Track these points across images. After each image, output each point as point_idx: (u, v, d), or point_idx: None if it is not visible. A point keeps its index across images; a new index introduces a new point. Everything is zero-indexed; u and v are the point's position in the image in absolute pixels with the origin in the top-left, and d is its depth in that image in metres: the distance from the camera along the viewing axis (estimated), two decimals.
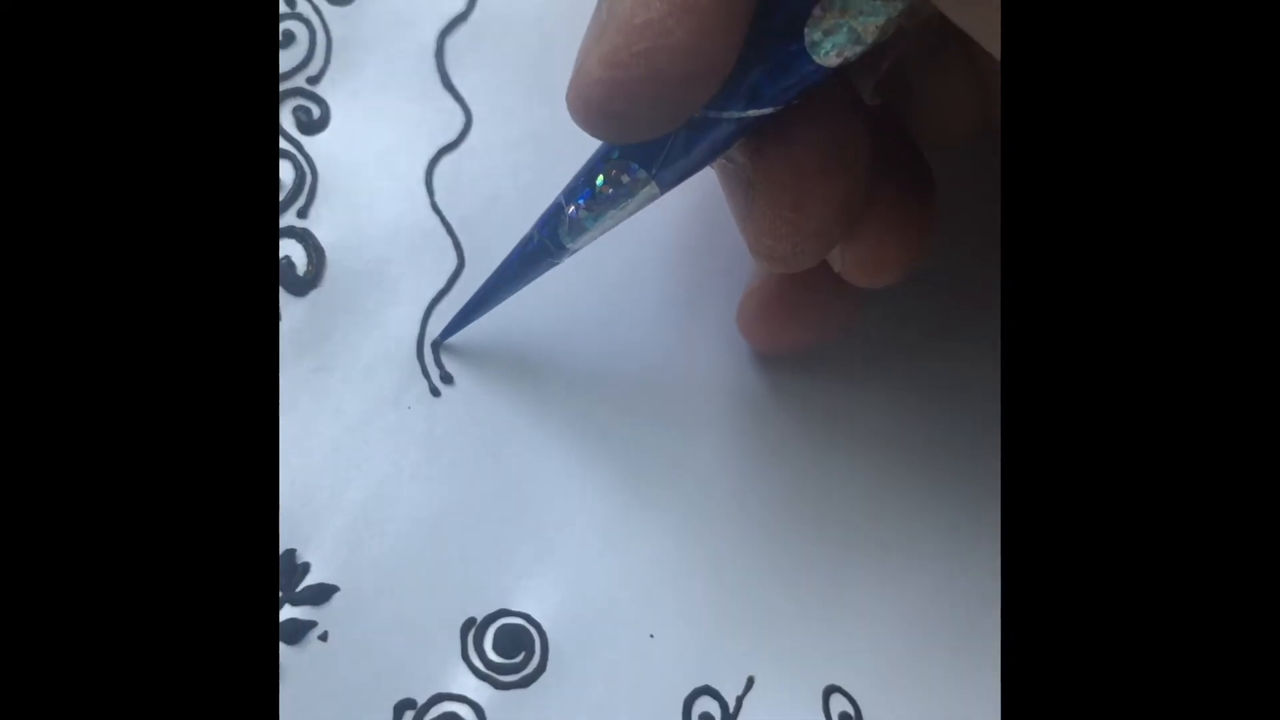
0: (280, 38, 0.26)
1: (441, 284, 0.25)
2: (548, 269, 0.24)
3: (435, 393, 0.25)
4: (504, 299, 0.25)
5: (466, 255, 0.26)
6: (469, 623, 0.24)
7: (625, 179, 0.21)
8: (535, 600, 0.24)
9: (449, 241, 0.26)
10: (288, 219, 0.25)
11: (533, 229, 0.23)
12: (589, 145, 0.26)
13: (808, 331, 0.26)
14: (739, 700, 0.25)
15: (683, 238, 0.27)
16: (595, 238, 0.23)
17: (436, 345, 0.25)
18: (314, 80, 0.26)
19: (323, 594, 0.24)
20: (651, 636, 0.25)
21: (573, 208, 0.22)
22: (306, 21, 0.26)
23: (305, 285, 0.25)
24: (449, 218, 0.26)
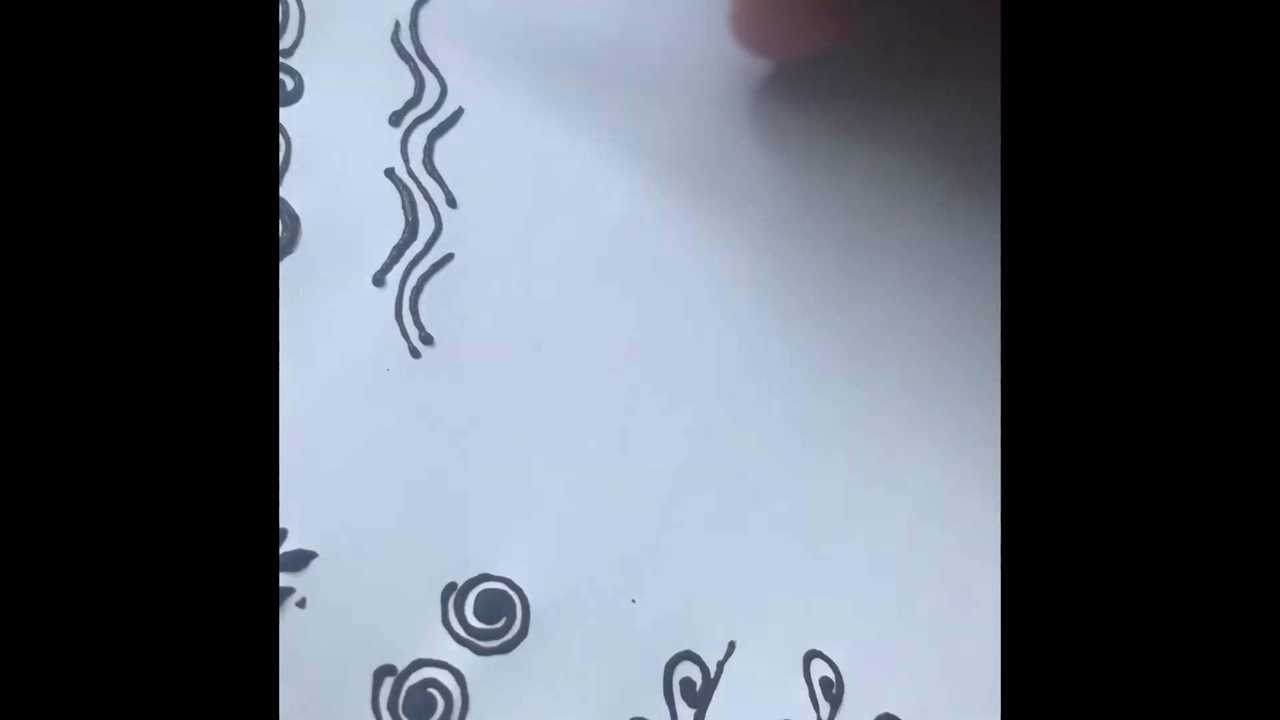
0: None
1: (419, 249, 0.25)
2: None
3: (415, 354, 0.25)
4: None
5: (443, 220, 0.26)
6: (449, 588, 0.24)
7: None
8: (517, 565, 0.24)
9: (426, 206, 0.26)
10: None
11: None
12: (563, 115, 0.26)
13: (803, 36, 0.26)
14: (720, 665, 0.25)
15: None
16: None
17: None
18: (287, 53, 0.26)
19: (300, 560, 0.23)
20: (633, 601, 0.25)
21: None
22: None
23: (281, 251, 0.25)
24: (425, 184, 0.26)
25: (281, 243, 0.25)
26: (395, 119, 0.26)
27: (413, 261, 0.25)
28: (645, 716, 0.24)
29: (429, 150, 0.26)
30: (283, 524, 0.23)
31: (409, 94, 0.26)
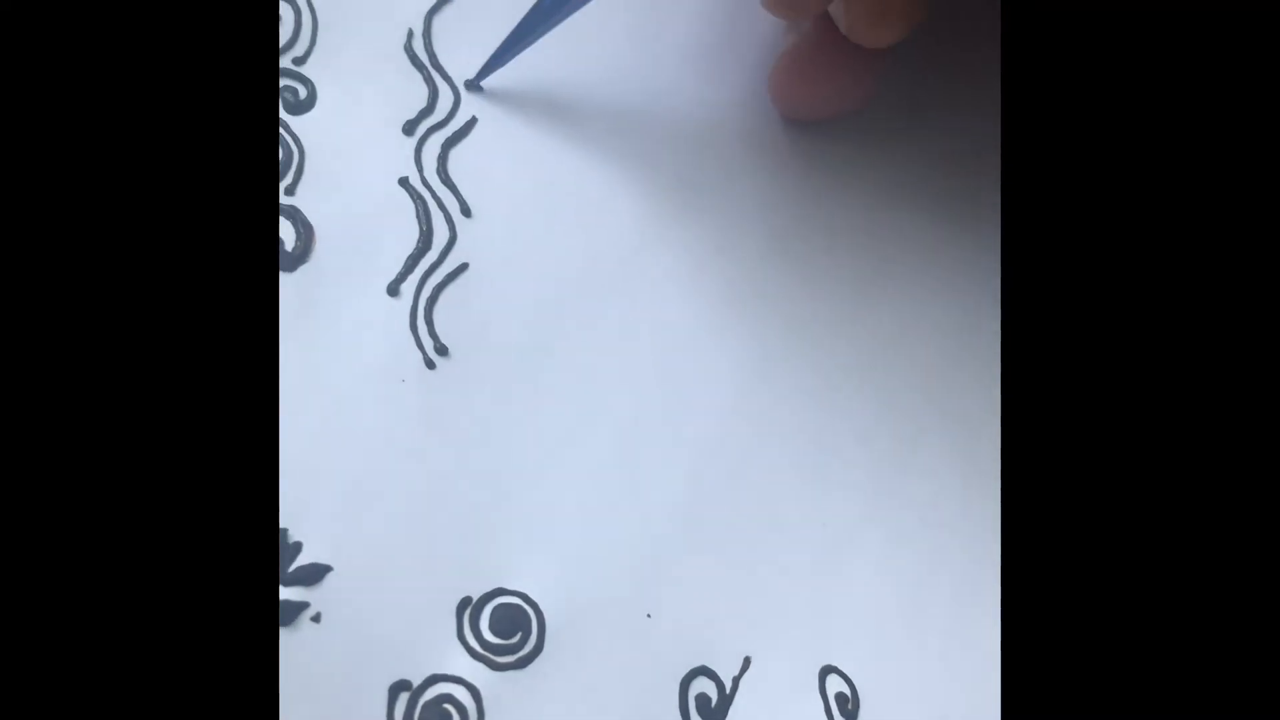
0: None
1: (434, 258, 0.25)
2: (580, 5, 0.25)
3: (430, 365, 0.25)
4: (539, 37, 0.26)
5: (458, 228, 0.26)
6: (465, 602, 0.23)
7: None
8: (532, 579, 0.24)
9: (440, 215, 0.26)
10: None
11: None
12: (578, 124, 0.26)
13: (834, 96, 0.27)
14: (735, 681, 0.24)
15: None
16: None
17: (471, 84, 0.27)
18: (300, 61, 0.26)
19: (315, 574, 0.23)
20: (649, 616, 0.24)
21: None
22: (292, 2, 0.26)
23: (294, 261, 0.25)
24: (439, 194, 0.26)
25: (295, 252, 0.25)
26: (409, 128, 0.26)
27: (427, 271, 0.25)
28: None
29: (443, 159, 0.26)
30: (297, 538, 0.23)
31: (422, 103, 0.26)
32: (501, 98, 0.27)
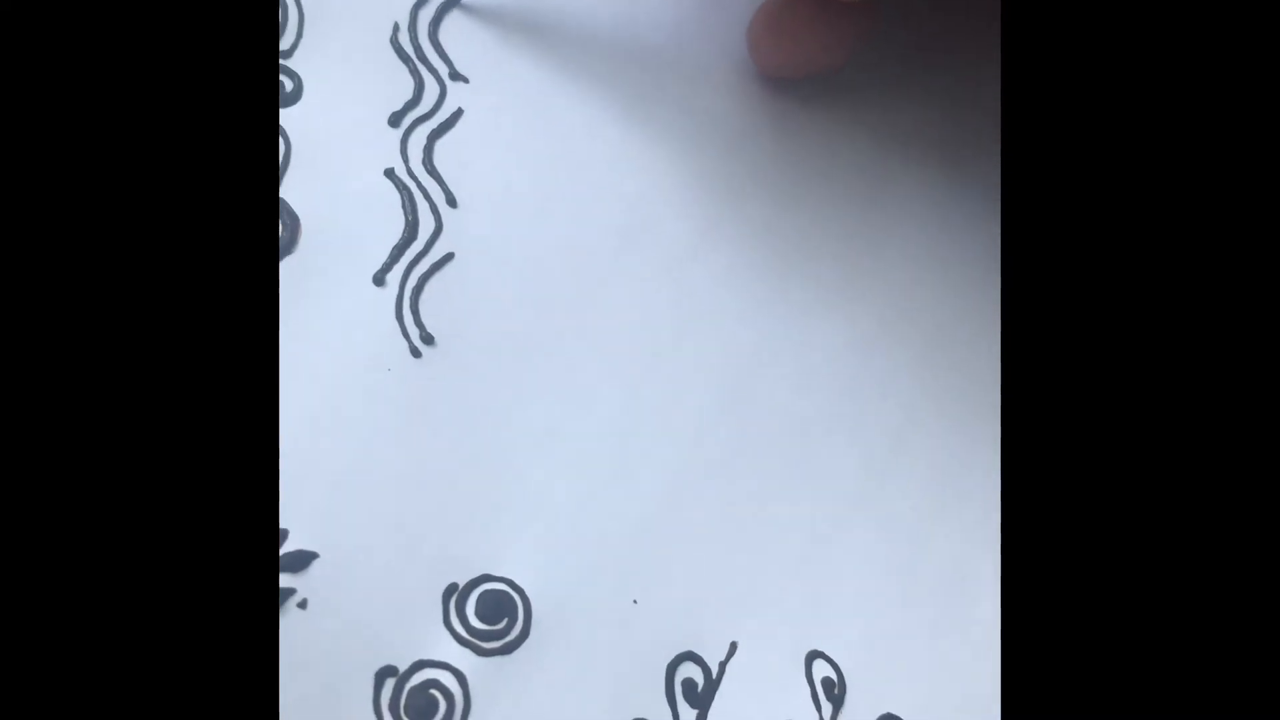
0: None
1: (420, 248, 0.25)
2: None
3: (416, 354, 0.25)
4: None
5: (443, 218, 0.26)
6: (451, 588, 0.24)
7: None
8: (518, 565, 0.24)
9: (426, 206, 0.26)
10: None
11: None
12: (563, 115, 0.26)
13: (814, 52, 0.27)
14: (722, 666, 0.25)
15: None
16: None
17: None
18: (287, 54, 0.26)
19: (301, 561, 0.23)
20: (635, 602, 0.24)
21: None
22: None
23: (281, 252, 0.25)
24: (425, 184, 0.26)
25: (281, 243, 0.25)
26: (395, 119, 0.26)
27: (413, 261, 0.25)
28: (647, 717, 0.24)
29: (429, 150, 0.26)
30: (283, 524, 0.23)
31: (408, 95, 0.26)
32: (487, 90, 0.27)
